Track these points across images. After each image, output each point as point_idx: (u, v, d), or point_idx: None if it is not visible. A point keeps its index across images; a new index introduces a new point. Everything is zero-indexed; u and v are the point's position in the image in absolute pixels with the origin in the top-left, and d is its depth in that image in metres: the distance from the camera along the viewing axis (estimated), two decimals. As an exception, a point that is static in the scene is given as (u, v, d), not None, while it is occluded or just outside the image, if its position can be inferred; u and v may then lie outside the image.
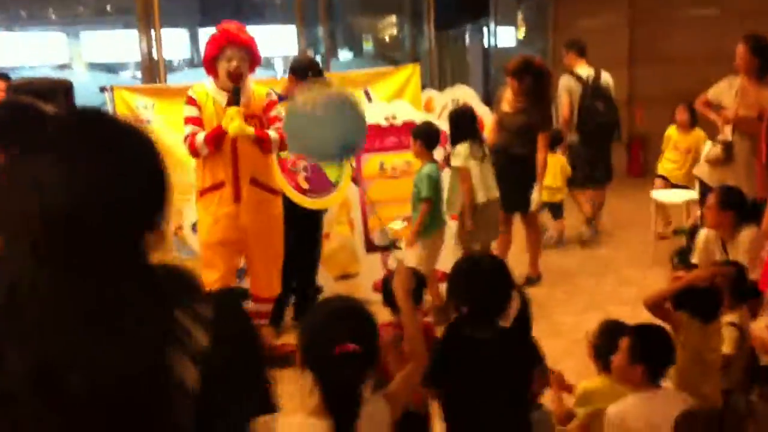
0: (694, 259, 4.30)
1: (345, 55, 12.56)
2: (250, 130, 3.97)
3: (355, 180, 5.30)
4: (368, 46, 13.38)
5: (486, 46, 10.87)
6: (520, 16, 11.01)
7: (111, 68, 7.94)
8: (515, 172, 5.33)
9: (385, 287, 3.01)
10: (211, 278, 3.96)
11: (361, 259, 5.42)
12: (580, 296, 5.37)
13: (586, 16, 9.90)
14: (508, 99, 5.40)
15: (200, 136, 3.91)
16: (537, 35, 10.32)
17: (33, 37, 7.15)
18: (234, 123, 3.88)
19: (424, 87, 7.36)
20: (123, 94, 5.13)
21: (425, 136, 4.72)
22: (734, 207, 4.01)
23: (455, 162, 4.88)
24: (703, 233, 4.25)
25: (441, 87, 7.88)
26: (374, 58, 12.41)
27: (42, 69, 6.58)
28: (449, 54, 10.02)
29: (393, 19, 11.66)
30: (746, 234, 3.98)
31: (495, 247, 5.41)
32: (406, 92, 6.04)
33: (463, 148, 4.88)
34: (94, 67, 7.99)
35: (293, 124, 3.55)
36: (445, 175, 5.02)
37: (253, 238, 4.16)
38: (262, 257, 4.28)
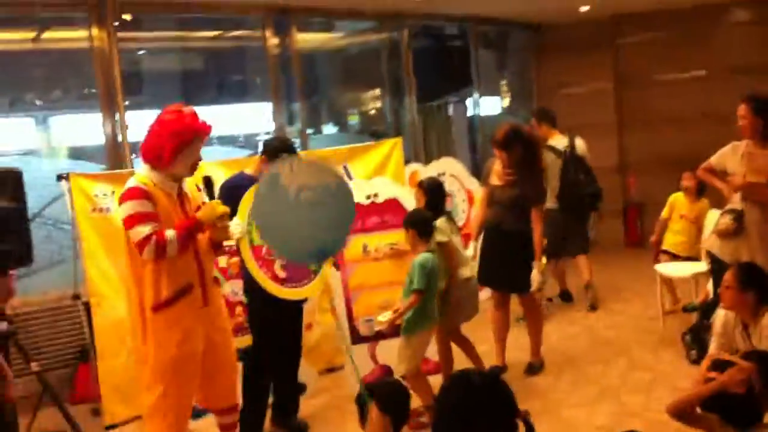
0: (713, 346, 3.84)
1: (330, 129, 12.28)
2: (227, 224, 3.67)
3: (337, 265, 4.86)
4: (353, 120, 13.14)
5: (470, 115, 10.61)
6: (503, 85, 10.79)
7: (80, 153, 7.55)
8: (511, 249, 4.92)
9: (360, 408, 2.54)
10: (162, 411, 3.48)
11: (347, 347, 4.92)
12: (588, 385, 4.86)
13: (571, 83, 9.69)
14: (497, 171, 5.03)
15: (170, 234, 3.38)
16: (521, 103, 10.07)
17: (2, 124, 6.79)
18: (216, 215, 3.55)
19: (408, 161, 7.03)
20: (80, 182, 4.71)
21: (418, 225, 4.33)
22: (756, 286, 3.58)
23: (439, 237, 4.47)
24: (721, 315, 3.80)
25: (427, 160, 7.54)
26: (359, 133, 12.14)
27: (6, 157, 6.19)
28: (433, 126, 9.72)
29: (377, 92, 11.43)
30: (773, 316, 3.56)
31: (470, 332, 4.94)
32: (388, 167, 5.66)
33: (443, 223, 4.52)
34: (64, 152, 7.60)
35: (266, 206, 3.10)
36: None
37: (220, 344, 3.69)
38: (226, 364, 3.78)
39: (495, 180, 5.03)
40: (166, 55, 10.29)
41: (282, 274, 4.28)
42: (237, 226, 4.11)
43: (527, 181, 4.88)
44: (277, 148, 4.27)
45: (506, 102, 10.71)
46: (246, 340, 4.49)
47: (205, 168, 4.93)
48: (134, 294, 3.47)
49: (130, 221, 3.34)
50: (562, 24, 9.42)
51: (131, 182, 3.41)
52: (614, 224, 9.58)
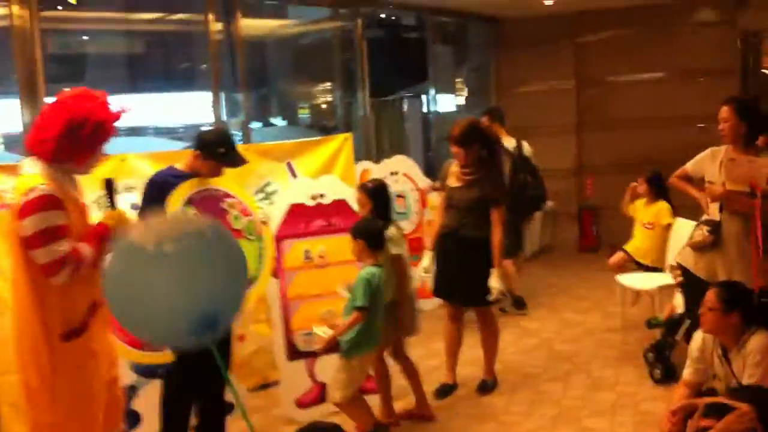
0: (687, 371, 3.50)
1: (279, 123, 11.78)
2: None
3: (275, 273, 4.40)
4: (304, 113, 12.64)
5: (425, 112, 10.23)
6: (460, 81, 10.41)
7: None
8: (470, 257, 4.52)
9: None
10: None
11: (282, 366, 4.47)
12: (545, 406, 4.49)
13: (531, 80, 9.36)
14: (454, 173, 4.62)
15: (86, 250, 2.84)
16: (478, 100, 9.70)
17: None
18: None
19: (359, 159, 6.59)
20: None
21: (369, 236, 3.89)
22: (741, 307, 3.24)
23: (394, 250, 4.05)
24: (698, 339, 3.46)
25: (379, 158, 7.11)
26: (309, 127, 11.66)
27: None
28: (387, 122, 9.31)
29: (328, 85, 10.98)
30: (757, 340, 3.21)
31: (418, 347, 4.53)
32: (337, 165, 5.20)
33: (395, 233, 4.10)
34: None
35: (120, 278, 2.50)
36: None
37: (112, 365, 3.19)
38: (117, 384, 3.26)
39: (453, 182, 4.62)
40: (109, 38, 9.68)
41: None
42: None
43: (488, 181, 4.49)
44: (213, 142, 3.79)
45: (463, 99, 10.34)
46: (166, 356, 3.99)
47: (118, 162, 4.46)
48: (31, 323, 2.87)
49: (40, 239, 2.74)
50: (524, 18, 9.07)
51: (38, 189, 2.76)
52: (569, 228, 9.29)
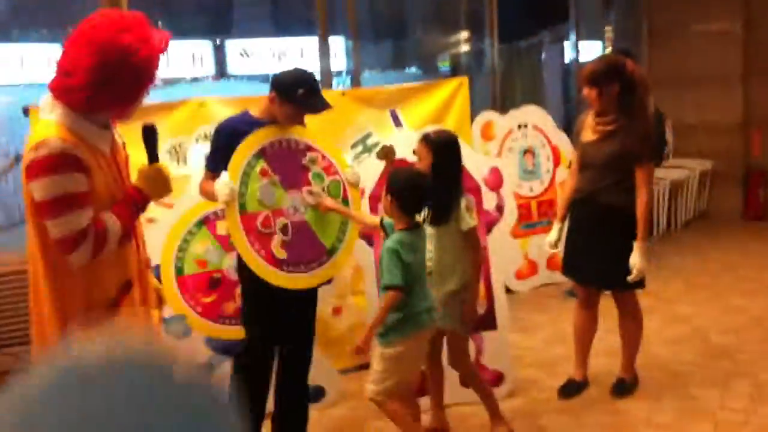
0: None
1: (413, 72, 11.04)
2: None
3: (368, 238, 3.73)
4: (444, 65, 11.84)
5: (566, 60, 9.18)
6: (607, 26, 9.26)
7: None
8: (608, 229, 3.67)
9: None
10: None
11: (375, 348, 3.80)
12: (697, 419, 3.58)
13: (690, 22, 8.10)
14: (590, 125, 3.75)
15: (111, 222, 2.27)
16: (628, 46, 8.54)
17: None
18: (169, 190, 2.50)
19: (483, 109, 5.79)
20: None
21: (403, 192, 3.03)
22: None
23: (468, 222, 3.20)
24: None
25: (507, 110, 6.26)
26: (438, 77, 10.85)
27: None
28: (521, 70, 8.35)
29: (463, 34, 10.12)
30: None
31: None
32: (450, 115, 4.43)
33: (467, 202, 3.25)
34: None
35: None
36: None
37: None
38: None
39: (588, 135, 3.75)
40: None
41: (281, 254, 3.17)
42: (224, 185, 3.03)
43: (630, 131, 3.58)
44: (291, 83, 3.12)
45: (609, 44, 9.19)
46: (232, 332, 3.43)
47: (195, 107, 3.90)
48: (52, 305, 2.31)
49: (52, 209, 2.17)
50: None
51: (49, 145, 2.15)
52: (732, 192, 8.07)
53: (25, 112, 3.79)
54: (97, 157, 2.29)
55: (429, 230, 3.24)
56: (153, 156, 2.49)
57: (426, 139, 3.27)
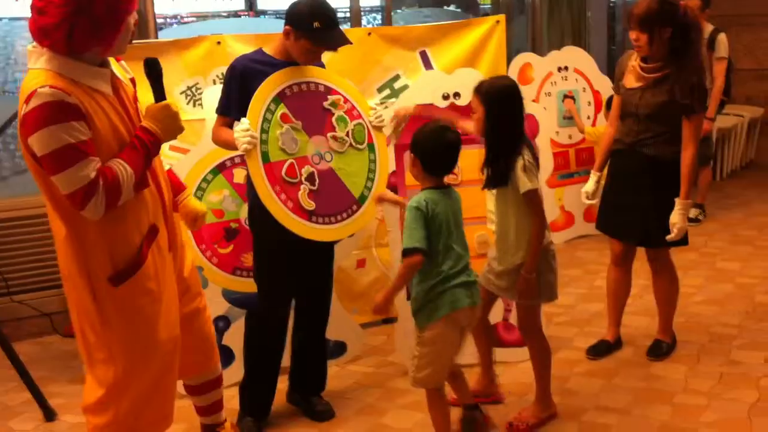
0: None
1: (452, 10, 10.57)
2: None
3: (395, 189, 3.52)
4: (486, 3, 11.36)
5: (612, -1, 8.72)
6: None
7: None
8: (649, 183, 3.42)
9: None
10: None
11: (399, 304, 3.64)
12: (740, 385, 3.36)
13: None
14: (634, 69, 3.45)
15: (125, 170, 2.15)
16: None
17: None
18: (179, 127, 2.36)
19: (519, 51, 5.50)
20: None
21: (427, 151, 2.76)
22: None
23: (524, 183, 2.83)
24: None
25: (548, 50, 5.93)
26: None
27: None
28: (562, 7, 7.91)
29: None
30: None
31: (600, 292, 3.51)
32: (484, 56, 4.15)
33: (526, 159, 2.85)
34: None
35: None
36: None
37: (185, 293, 2.56)
38: (199, 317, 2.64)
39: (631, 81, 3.46)
40: None
41: (309, 205, 2.99)
42: (243, 133, 2.83)
43: (680, 80, 3.28)
44: (305, 14, 2.88)
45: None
46: (250, 284, 3.28)
47: (212, 45, 3.67)
48: (75, 265, 2.23)
49: (57, 161, 2.05)
50: None
51: (41, 93, 2.02)
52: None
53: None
54: (96, 99, 2.14)
55: (490, 194, 3.00)
56: (159, 93, 2.35)
57: (479, 89, 2.90)
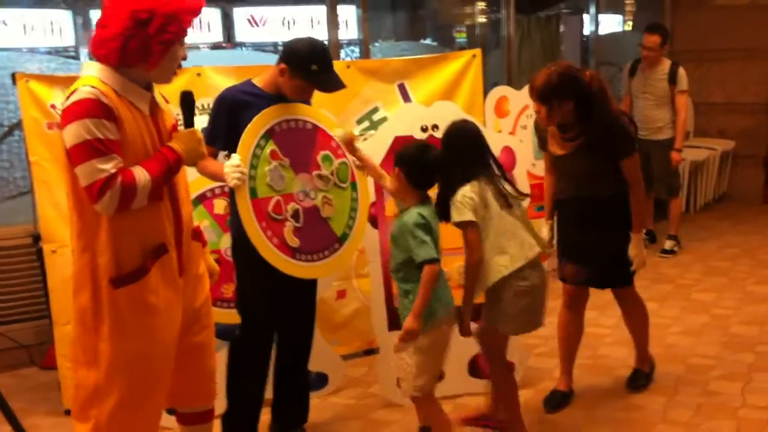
0: None
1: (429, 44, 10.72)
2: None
3: (373, 220, 3.54)
4: (461, 37, 11.51)
5: (585, 33, 8.88)
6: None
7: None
8: (598, 227, 3.38)
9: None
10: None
11: (381, 335, 3.64)
12: (718, 416, 3.39)
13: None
14: (554, 134, 3.40)
15: (142, 174, 2.23)
16: (649, 18, 8.23)
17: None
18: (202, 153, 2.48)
19: (496, 83, 5.57)
20: (32, 85, 3.53)
21: (412, 165, 2.85)
22: None
23: (454, 216, 2.89)
24: None
25: (522, 84, 6.01)
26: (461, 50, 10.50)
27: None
28: (537, 43, 8.05)
29: (480, 4, 9.81)
30: None
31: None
32: (461, 89, 4.21)
33: (467, 192, 2.89)
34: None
35: None
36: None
37: (195, 324, 2.57)
38: (204, 351, 2.65)
39: (556, 149, 3.41)
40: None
41: (294, 242, 2.99)
42: (234, 168, 2.84)
43: (599, 139, 3.22)
44: (304, 56, 2.91)
45: (630, 17, 8.90)
46: (231, 315, 3.26)
47: (192, 76, 3.69)
48: (82, 261, 2.31)
49: (82, 152, 2.17)
50: None
51: (82, 91, 2.19)
52: (753, 174, 7.80)
53: (13, 78, 3.62)
54: (132, 111, 2.29)
55: None
56: (189, 121, 2.49)
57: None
